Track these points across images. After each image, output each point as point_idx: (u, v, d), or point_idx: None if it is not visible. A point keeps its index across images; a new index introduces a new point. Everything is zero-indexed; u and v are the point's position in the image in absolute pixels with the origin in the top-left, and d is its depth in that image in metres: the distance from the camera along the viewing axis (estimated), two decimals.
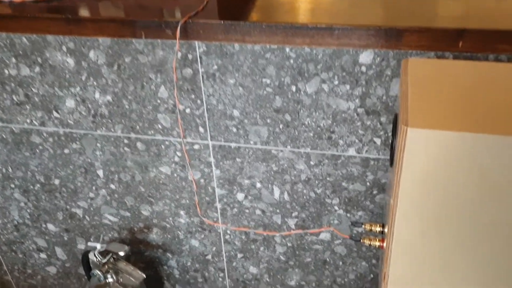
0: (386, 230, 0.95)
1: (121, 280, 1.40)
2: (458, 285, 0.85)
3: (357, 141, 1.16)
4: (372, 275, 1.41)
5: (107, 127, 1.29)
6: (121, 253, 1.32)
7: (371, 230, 1.02)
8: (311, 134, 1.17)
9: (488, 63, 0.98)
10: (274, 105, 1.15)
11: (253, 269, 1.51)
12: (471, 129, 0.70)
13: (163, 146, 1.30)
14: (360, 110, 1.11)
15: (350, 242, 1.36)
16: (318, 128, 1.16)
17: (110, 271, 1.38)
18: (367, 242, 0.99)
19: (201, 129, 1.24)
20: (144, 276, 1.37)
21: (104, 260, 1.36)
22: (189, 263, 1.56)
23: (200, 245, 1.49)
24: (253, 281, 1.54)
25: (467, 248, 0.80)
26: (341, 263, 1.41)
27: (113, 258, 1.38)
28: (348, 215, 1.30)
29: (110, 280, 1.39)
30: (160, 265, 1.59)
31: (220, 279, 1.57)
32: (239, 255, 1.48)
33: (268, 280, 1.52)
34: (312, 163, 1.22)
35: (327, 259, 1.41)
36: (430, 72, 0.90)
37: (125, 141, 1.31)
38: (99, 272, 1.35)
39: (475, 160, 0.71)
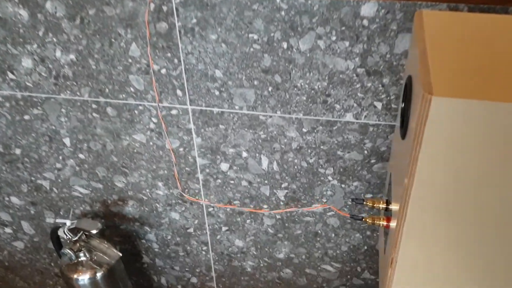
0: (392, 207, 0.84)
1: (95, 258, 1.28)
2: (474, 273, 0.75)
3: (355, 105, 1.03)
4: (365, 247, 1.32)
5: (72, 91, 1.14)
6: (94, 231, 1.19)
7: (373, 206, 0.91)
8: (304, 98, 1.04)
9: (509, 16, 0.85)
10: (262, 64, 1.00)
11: (239, 242, 1.40)
12: (506, 98, 0.58)
13: (136, 112, 1.15)
14: (360, 70, 0.97)
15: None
16: (312, 91, 1.02)
17: (83, 249, 1.26)
18: (370, 221, 0.88)
19: (179, 92, 1.09)
20: (120, 254, 1.25)
21: (75, 238, 1.23)
22: (169, 237, 1.44)
23: (181, 218, 1.37)
24: (239, 254, 1.44)
25: (492, 235, 0.69)
26: (333, 235, 1.31)
27: (85, 235, 1.26)
28: (343, 185, 1.18)
29: (82, 258, 1.27)
30: (138, 239, 1.48)
31: (204, 252, 1.46)
32: (224, 228, 1.37)
33: (255, 253, 1.42)
34: (304, 130, 1.10)
35: (319, 231, 1.31)
36: (447, 27, 0.77)
37: (93, 106, 1.16)
38: (69, 251, 1.23)
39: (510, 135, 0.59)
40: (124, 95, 1.12)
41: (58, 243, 1.34)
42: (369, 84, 0.99)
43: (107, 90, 1.12)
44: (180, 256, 1.49)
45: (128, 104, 1.14)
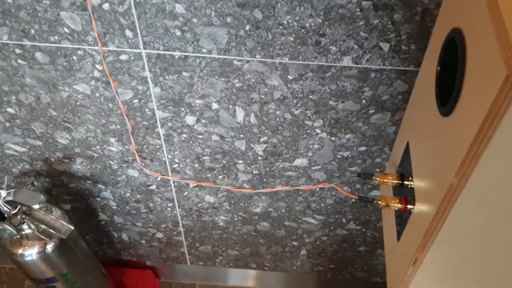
0: (416, 192, 0.66)
1: (42, 228, 1.08)
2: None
3: (356, 47, 0.82)
4: (353, 200, 1.17)
5: None
6: (35, 206, 0.98)
7: (384, 182, 0.74)
8: (291, 38, 0.82)
9: None
10: None
11: (209, 198, 1.22)
12: None
13: (75, 57, 0.90)
14: (366, 4, 0.75)
15: (331, 168, 1.08)
16: (302, 30, 0.80)
17: (26, 221, 1.05)
18: (383, 204, 0.71)
19: (128, 33, 0.84)
20: (72, 228, 1.05)
21: (14, 211, 1.02)
22: (128, 194, 1.24)
23: (141, 175, 1.17)
24: (210, 210, 1.27)
25: None
26: (318, 189, 1.15)
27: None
28: (333, 138, 1.00)
29: (27, 231, 1.07)
30: (91, 197, 1.27)
31: (169, 209, 1.28)
32: (192, 185, 1.18)
33: (228, 208, 1.25)
34: (290, 77, 0.88)
35: (302, 186, 1.14)
36: None
37: (17, 50, 0.89)
38: (9, 227, 1.02)
39: None
40: (56, 37, 0.86)
41: None
42: (375, 21, 0.77)
43: (32, 31, 0.85)
44: (142, 213, 1.31)
45: (62, 48, 0.88)
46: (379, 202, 0.71)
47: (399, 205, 0.69)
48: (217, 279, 1.63)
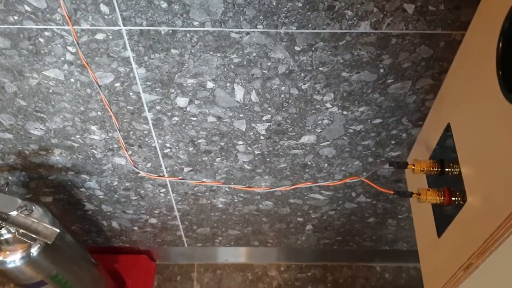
0: (463, 174, 0.56)
1: (22, 231, 0.96)
2: None
3: (376, 10, 0.69)
4: (364, 173, 1.08)
5: None
6: (13, 213, 0.86)
7: (421, 171, 0.63)
8: (300, 4, 0.69)
9: None
10: None
11: (207, 181, 1.11)
12: None
13: (41, 40, 0.76)
14: None
15: (342, 143, 0.98)
16: None
17: (3, 226, 0.93)
18: (423, 198, 0.61)
19: (104, 8, 0.70)
20: (58, 231, 0.93)
21: None
22: (115, 183, 1.13)
23: (129, 163, 1.05)
24: (207, 193, 1.16)
25: None
26: (326, 165, 1.05)
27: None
28: (345, 112, 0.89)
29: (7, 236, 0.95)
30: (75, 188, 1.15)
31: (162, 194, 1.17)
32: (187, 169, 1.07)
33: (228, 190, 1.15)
34: (297, 48, 0.76)
35: (309, 163, 1.04)
36: None
37: None
38: None
39: None
40: (16, 17, 0.72)
41: None
42: None
43: None
44: (133, 200, 1.20)
45: (25, 29, 0.74)
46: (419, 197, 0.61)
47: (443, 199, 0.59)
48: (216, 258, 1.55)
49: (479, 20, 0.55)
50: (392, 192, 0.64)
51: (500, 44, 0.46)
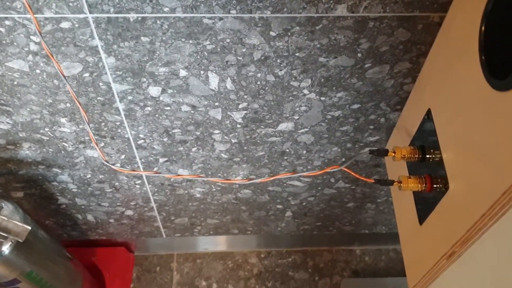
0: (445, 161, 0.55)
1: None
2: None
3: None
4: (343, 159, 1.06)
5: None
6: None
7: (402, 158, 0.62)
8: None
9: None
10: None
11: (183, 172, 1.09)
12: None
13: (2, 29, 0.71)
14: None
15: (320, 129, 0.96)
16: None
17: None
18: (404, 186, 0.59)
19: None
20: (29, 228, 0.89)
21: None
22: (88, 176, 1.09)
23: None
24: (184, 183, 1.14)
25: None
26: (304, 152, 1.03)
27: None
28: (322, 98, 0.87)
29: None
30: (47, 182, 1.11)
31: (138, 186, 1.14)
32: (162, 160, 1.04)
33: (205, 180, 1.13)
34: (272, 33, 0.73)
35: (287, 150, 1.02)
36: None
37: None
38: None
39: None
40: None
41: None
42: None
43: None
44: (108, 193, 1.17)
45: None
46: (400, 185, 0.60)
47: (424, 186, 0.58)
48: (195, 247, 1.53)
49: (460, 1, 0.53)
50: (373, 181, 0.63)
51: (483, 28, 0.44)
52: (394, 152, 0.62)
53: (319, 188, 1.18)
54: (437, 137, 0.57)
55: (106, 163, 0.64)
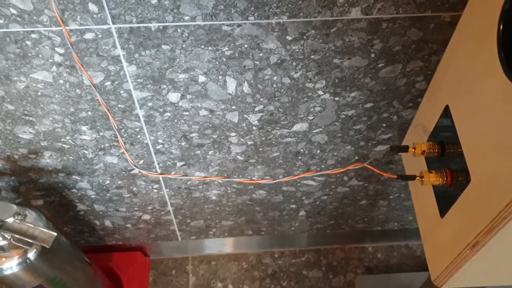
0: (466, 156, 0.57)
1: (18, 237, 0.95)
2: None
3: None
4: (357, 157, 1.09)
5: None
6: (9, 220, 0.85)
7: (422, 153, 0.64)
8: None
9: None
10: None
11: (200, 175, 1.11)
12: None
13: (29, 42, 0.74)
14: None
15: (334, 129, 0.98)
16: None
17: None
18: (426, 180, 0.62)
19: (92, 7, 0.69)
20: (55, 234, 0.92)
21: None
22: (107, 182, 1.12)
23: (120, 161, 1.04)
24: (200, 186, 1.16)
25: None
26: (318, 151, 1.05)
27: None
28: (337, 98, 0.90)
29: (2, 243, 0.93)
30: (66, 189, 1.14)
31: (155, 190, 1.16)
32: (179, 164, 1.06)
33: (221, 181, 1.15)
34: (289, 38, 0.76)
35: (301, 150, 1.04)
36: None
37: None
38: None
39: None
40: (1, 21, 0.70)
41: None
42: None
43: None
44: (125, 198, 1.19)
45: (11, 33, 0.72)
46: (422, 179, 0.62)
47: (445, 180, 0.61)
48: (210, 249, 1.55)
49: (476, 1, 0.56)
50: (395, 177, 0.65)
51: (501, 26, 0.46)
52: (414, 148, 0.65)
53: (333, 186, 1.20)
54: (456, 133, 0.59)
55: (134, 165, 0.66)
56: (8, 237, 0.94)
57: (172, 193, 1.18)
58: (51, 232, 0.92)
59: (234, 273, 1.56)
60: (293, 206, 1.29)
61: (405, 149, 0.65)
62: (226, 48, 0.77)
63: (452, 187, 0.61)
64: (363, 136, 1.01)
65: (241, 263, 1.57)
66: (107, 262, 1.47)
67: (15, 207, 0.87)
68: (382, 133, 1.01)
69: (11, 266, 0.97)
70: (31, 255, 0.98)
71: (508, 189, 0.47)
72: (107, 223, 1.31)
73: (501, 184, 0.49)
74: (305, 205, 1.29)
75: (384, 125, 0.98)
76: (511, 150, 0.47)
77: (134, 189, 1.15)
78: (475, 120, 0.55)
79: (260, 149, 1.03)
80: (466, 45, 0.58)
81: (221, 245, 1.53)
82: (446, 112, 0.62)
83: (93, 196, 1.17)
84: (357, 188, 1.22)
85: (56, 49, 0.75)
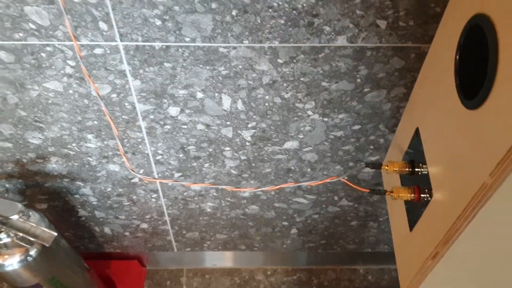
0: (430, 173, 0.63)
1: (21, 235, 1.01)
2: None
3: (351, 26, 0.77)
4: (346, 178, 1.14)
5: None
6: (14, 217, 0.91)
7: (394, 171, 0.70)
8: (282, 21, 0.76)
9: None
10: None
11: (196, 186, 1.17)
12: None
13: (43, 54, 0.81)
14: None
15: (323, 148, 1.04)
16: (294, 12, 0.74)
17: (3, 230, 0.98)
18: (395, 195, 0.67)
19: (102, 25, 0.76)
20: (55, 234, 0.98)
21: None
22: (109, 189, 1.18)
23: (122, 169, 1.11)
24: (196, 197, 1.22)
25: None
26: (309, 169, 1.11)
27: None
28: (325, 119, 0.96)
29: (6, 240, 0.99)
30: (69, 195, 1.20)
31: (153, 199, 1.22)
32: (177, 175, 1.12)
33: (215, 194, 1.21)
34: (280, 61, 0.83)
35: (292, 168, 1.10)
36: None
37: None
38: None
39: None
40: (21, 34, 0.77)
41: None
42: None
43: None
44: (125, 206, 1.25)
45: (29, 45, 0.79)
46: (392, 194, 0.68)
47: (413, 195, 0.66)
48: (204, 262, 1.60)
49: (440, 35, 0.62)
50: (368, 191, 0.71)
51: (457, 57, 0.53)
52: (387, 166, 0.70)
53: (323, 205, 1.26)
54: (423, 152, 0.65)
55: (132, 171, 0.73)
56: (12, 235, 1.00)
57: (170, 203, 1.24)
58: (51, 232, 0.98)
59: (227, 287, 1.60)
60: (285, 223, 1.34)
61: (379, 166, 0.71)
62: (222, 68, 0.84)
63: (419, 203, 0.66)
64: (352, 157, 1.07)
65: (234, 278, 1.62)
66: (105, 269, 1.52)
67: (20, 205, 0.93)
68: (370, 155, 1.07)
69: (13, 263, 1.03)
70: (32, 254, 1.03)
71: (459, 202, 0.52)
72: (107, 230, 1.37)
73: (455, 197, 0.54)
74: (297, 223, 1.34)
75: (371, 147, 1.04)
76: (462, 168, 0.53)
77: (134, 197, 1.21)
78: (438, 142, 0.61)
79: (253, 164, 1.09)
80: (432, 74, 0.64)
81: (215, 259, 1.58)
82: (417, 134, 0.68)
83: (94, 203, 1.23)
84: (347, 208, 1.27)
85: (68, 61, 0.83)
